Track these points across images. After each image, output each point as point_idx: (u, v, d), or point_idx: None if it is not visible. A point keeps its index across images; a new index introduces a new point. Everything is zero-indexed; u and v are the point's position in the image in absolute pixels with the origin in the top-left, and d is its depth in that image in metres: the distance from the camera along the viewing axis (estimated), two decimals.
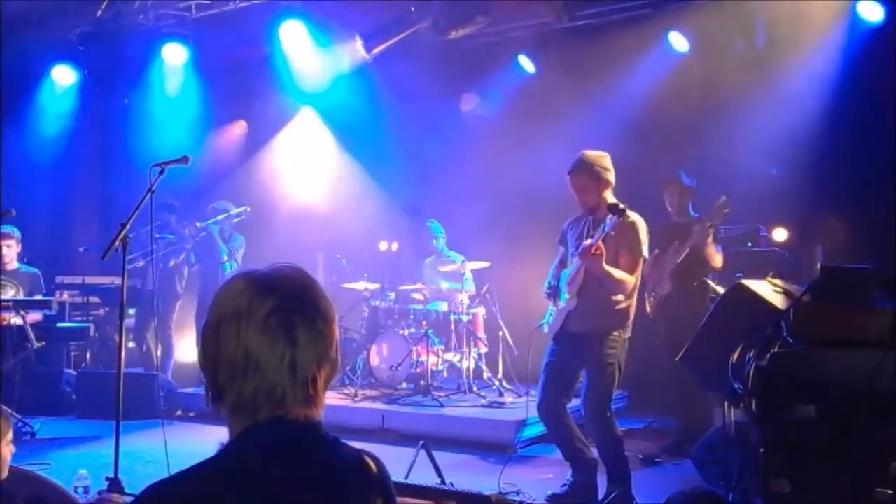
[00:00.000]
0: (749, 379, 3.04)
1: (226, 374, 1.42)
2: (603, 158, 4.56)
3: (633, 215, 4.49)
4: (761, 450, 2.97)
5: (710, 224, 5.60)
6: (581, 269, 4.46)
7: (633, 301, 4.54)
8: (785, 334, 3.06)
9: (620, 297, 4.45)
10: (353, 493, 1.46)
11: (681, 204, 5.97)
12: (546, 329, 4.74)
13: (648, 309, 5.96)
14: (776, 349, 3.06)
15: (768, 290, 3.72)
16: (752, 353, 3.14)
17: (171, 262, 8.01)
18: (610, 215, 4.26)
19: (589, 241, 4.35)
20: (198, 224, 7.72)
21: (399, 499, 1.58)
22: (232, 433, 1.43)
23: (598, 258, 4.29)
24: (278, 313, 1.41)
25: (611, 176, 4.56)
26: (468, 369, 7.15)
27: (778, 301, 3.59)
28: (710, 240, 5.64)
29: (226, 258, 7.73)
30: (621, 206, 4.26)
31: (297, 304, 1.44)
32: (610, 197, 4.55)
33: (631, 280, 4.43)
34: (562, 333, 4.59)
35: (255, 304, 1.41)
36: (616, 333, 4.46)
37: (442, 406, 6.65)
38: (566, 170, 4.62)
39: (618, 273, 4.38)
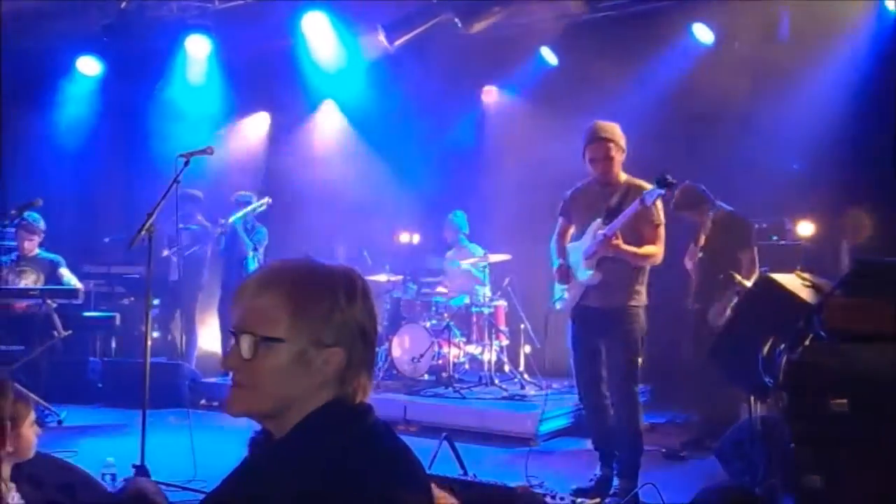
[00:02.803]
0: (780, 372, 3.01)
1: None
2: (618, 128, 4.51)
3: (644, 183, 4.40)
4: (792, 445, 2.94)
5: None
6: (600, 246, 4.36)
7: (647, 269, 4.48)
8: (817, 328, 3.03)
9: (643, 268, 4.42)
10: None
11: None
12: (559, 306, 4.66)
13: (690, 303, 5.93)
14: (808, 343, 3.03)
15: (797, 283, 3.67)
16: (782, 347, 3.11)
17: (196, 250, 8.06)
18: (639, 199, 4.19)
19: (602, 232, 4.31)
20: (222, 221, 7.75)
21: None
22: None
23: (618, 246, 4.29)
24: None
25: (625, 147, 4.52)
26: (490, 362, 7.16)
27: (807, 295, 3.55)
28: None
29: (250, 252, 7.74)
30: (669, 178, 4.09)
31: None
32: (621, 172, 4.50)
33: (656, 250, 4.39)
34: (579, 309, 4.50)
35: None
36: (635, 303, 4.40)
37: (463, 398, 6.66)
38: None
39: (643, 249, 4.36)
